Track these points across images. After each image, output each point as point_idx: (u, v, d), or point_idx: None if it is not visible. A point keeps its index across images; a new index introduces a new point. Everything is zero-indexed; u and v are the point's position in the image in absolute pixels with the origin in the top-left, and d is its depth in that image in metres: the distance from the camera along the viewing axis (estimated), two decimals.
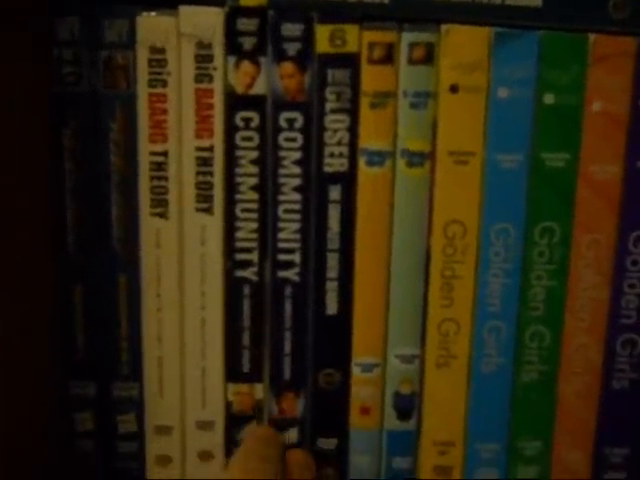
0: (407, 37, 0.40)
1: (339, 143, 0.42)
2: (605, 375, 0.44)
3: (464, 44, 0.40)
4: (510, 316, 0.43)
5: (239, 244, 0.43)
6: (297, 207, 0.42)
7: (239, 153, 0.42)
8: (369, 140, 0.41)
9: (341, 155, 0.42)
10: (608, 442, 0.44)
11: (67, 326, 0.44)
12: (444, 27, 0.40)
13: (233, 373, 0.44)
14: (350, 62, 0.41)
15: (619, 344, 0.43)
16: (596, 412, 0.44)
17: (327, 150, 0.42)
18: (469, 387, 0.44)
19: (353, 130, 0.41)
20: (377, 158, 0.42)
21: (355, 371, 0.44)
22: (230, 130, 0.42)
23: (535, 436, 0.44)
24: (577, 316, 0.43)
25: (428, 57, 0.41)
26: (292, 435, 0.45)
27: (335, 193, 0.42)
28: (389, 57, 0.41)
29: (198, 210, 0.42)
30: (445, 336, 0.43)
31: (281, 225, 0.43)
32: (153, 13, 0.41)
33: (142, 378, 0.44)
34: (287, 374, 0.44)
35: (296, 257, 0.43)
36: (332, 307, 0.43)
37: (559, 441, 0.44)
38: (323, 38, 0.41)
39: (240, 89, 0.41)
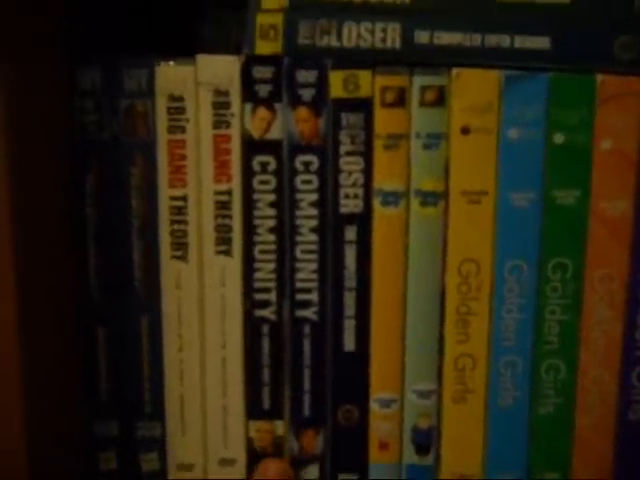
0: (418, 81, 0.41)
1: (354, 184, 0.43)
2: (620, 407, 0.44)
3: (475, 87, 0.41)
4: (525, 350, 0.44)
5: (258, 284, 0.44)
6: (314, 247, 0.43)
7: (257, 196, 0.43)
8: (383, 181, 0.42)
9: (356, 196, 0.43)
10: (625, 473, 0.45)
11: (91, 367, 0.45)
12: (455, 71, 0.41)
13: (254, 410, 0.45)
14: (363, 106, 0.42)
15: (634, 376, 0.44)
16: (612, 443, 0.45)
17: (342, 191, 0.43)
18: (486, 421, 0.44)
19: (367, 171, 0.42)
20: (391, 198, 0.43)
21: (373, 407, 0.45)
22: (248, 174, 0.43)
23: (553, 468, 0.45)
24: (591, 349, 0.44)
25: (439, 99, 0.42)
26: (313, 471, 0.45)
27: (351, 233, 0.43)
28: (401, 100, 0.42)
29: (217, 252, 0.43)
30: (462, 371, 0.44)
31: (299, 265, 0.44)
32: (171, 63, 0.42)
33: (164, 417, 0.45)
34: (307, 411, 0.45)
35: (314, 296, 0.44)
36: (350, 344, 0.44)
37: (577, 472, 0.45)
38: (337, 83, 0.42)
39: (257, 134, 0.42)
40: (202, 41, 0.56)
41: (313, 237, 0.43)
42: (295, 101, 0.42)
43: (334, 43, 0.41)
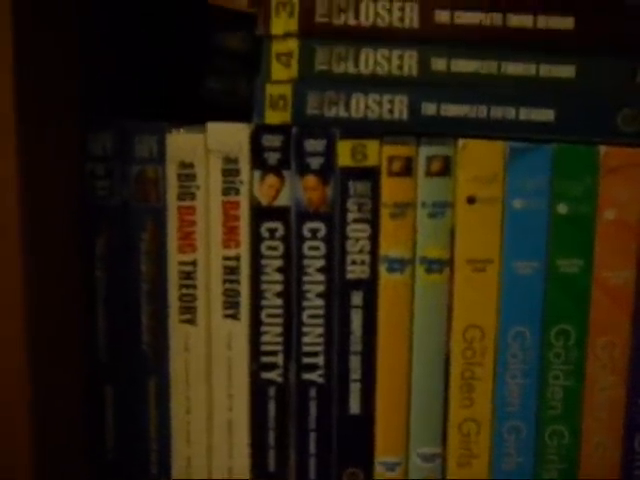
0: (425, 151, 0.42)
1: (361, 251, 0.43)
2: (624, 473, 0.44)
3: (480, 158, 0.42)
4: (529, 416, 0.44)
5: (265, 347, 0.44)
6: (321, 312, 0.44)
7: (264, 262, 0.44)
8: (389, 248, 0.43)
9: (363, 263, 0.43)
10: None
11: (98, 427, 0.46)
12: (461, 141, 0.42)
13: (259, 472, 0.46)
14: (371, 175, 0.43)
15: (637, 442, 0.44)
16: None
17: (349, 258, 0.43)
18: None
19: (374, 239, 0.43)
20: (397, 265, 0.43)
21: (379, 470, 0.45)
22: (256, 240, 0.43)
23: None
24: (594, 415, 0.44)
25: (445, 169, 0.42)
26: None
27: (357, 299, 0.44)
28: (408, 170, 0.42)
29: (225, 316, 0.44)
30: (466, 436, 0.44)
31: (305, 330, 0.44)
32: (182, 130, 0.43)
33: (171, 478, 0.46)
34: (312, 474, 0.45)
35: (320, 360, 0.44)
36: (355, 407, 0.45)
37: None
38: (345, 153, 0.42)
39: (265, 201, 0.43)
40: (210, 93, 0.57)
41: (320, 302, 0.44)
42: (303, 169, 0.43)
43: (342, 114, 0.42)
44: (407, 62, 0.42)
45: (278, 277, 0.44)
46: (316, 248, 0.43)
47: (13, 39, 0.38)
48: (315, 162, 0.43)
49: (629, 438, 0.44)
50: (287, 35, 0.42)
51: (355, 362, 0.44)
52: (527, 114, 0.42)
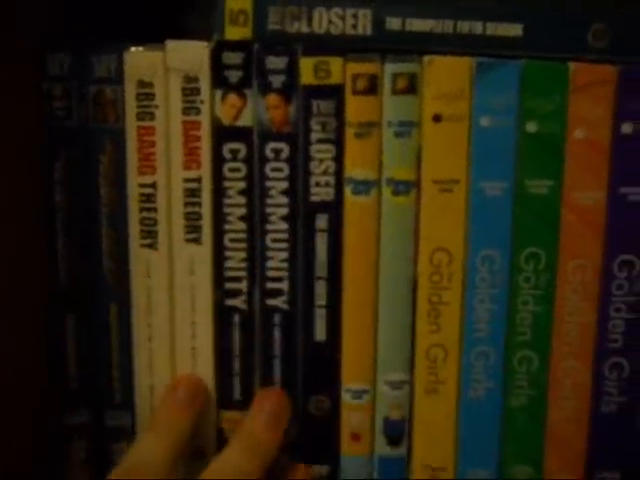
0: (390, 68, 0.41)
1: (325, 172, 0.42)
2: (593, 399, 0.44)
3: (446, 74, 0.41)
4: (497, 341, 0.43)
5: (228, 273, 0.44)
6: (285, 236, 0.43)
7: (227, 184, 0.43)
8: (355, 169, 0.42)
9: (327, 184, 0.42)
10: (598, 466, 0.45)
11: (59, 355, 0.45)
12: (426, 58, 0.41)
13: (224, 400, 0.45)
14: (334, 93, 0.41)
15: (607, 368, 0.44)
16: (586, 436, 0.44)
17: (313, 179, 0.42)
18: (458, 412, 0.44)
19: (339, 159, 0.42)
20: (363, 187, 0.42)
21: (345, 397, 0.44)
22: (217, 161, 0.42)
23: (525, 461, 0.45)
24: (564, 340, 0.43)
25: (411, 87, 0.41)
26: (283, 462, 0.45)
27: (322, 222, 0.43)
28: (373, 88, 0.41)
29: (187, 240, 0.43)
30: (433, 362, 0.44)
31: (269, 254, 0.43)
32: (140, 48, 0.42)
33: (134, 407, 0.45)
34: None
35: (284, 285, 0.43)
36: (321, 334, 0.44)
37: (550, 466, 0.45)
38: (307, 70, 0.41)
39: (227, 121, 0.42)
40: (182, 31, 0.56)
41: (283, 225, 0.43)
42: (265, 88, 0.41)
43: (304, 29, 0.41)
44: None
45: (241, 200, 0.43)
46: (279, 169, 0.42)
47: None
48: (277, 80, 0.41)
49: (599, 364, 0.43)
50: None
51: (320, 287, 0.43)
52: (494, 29, 0.41)
